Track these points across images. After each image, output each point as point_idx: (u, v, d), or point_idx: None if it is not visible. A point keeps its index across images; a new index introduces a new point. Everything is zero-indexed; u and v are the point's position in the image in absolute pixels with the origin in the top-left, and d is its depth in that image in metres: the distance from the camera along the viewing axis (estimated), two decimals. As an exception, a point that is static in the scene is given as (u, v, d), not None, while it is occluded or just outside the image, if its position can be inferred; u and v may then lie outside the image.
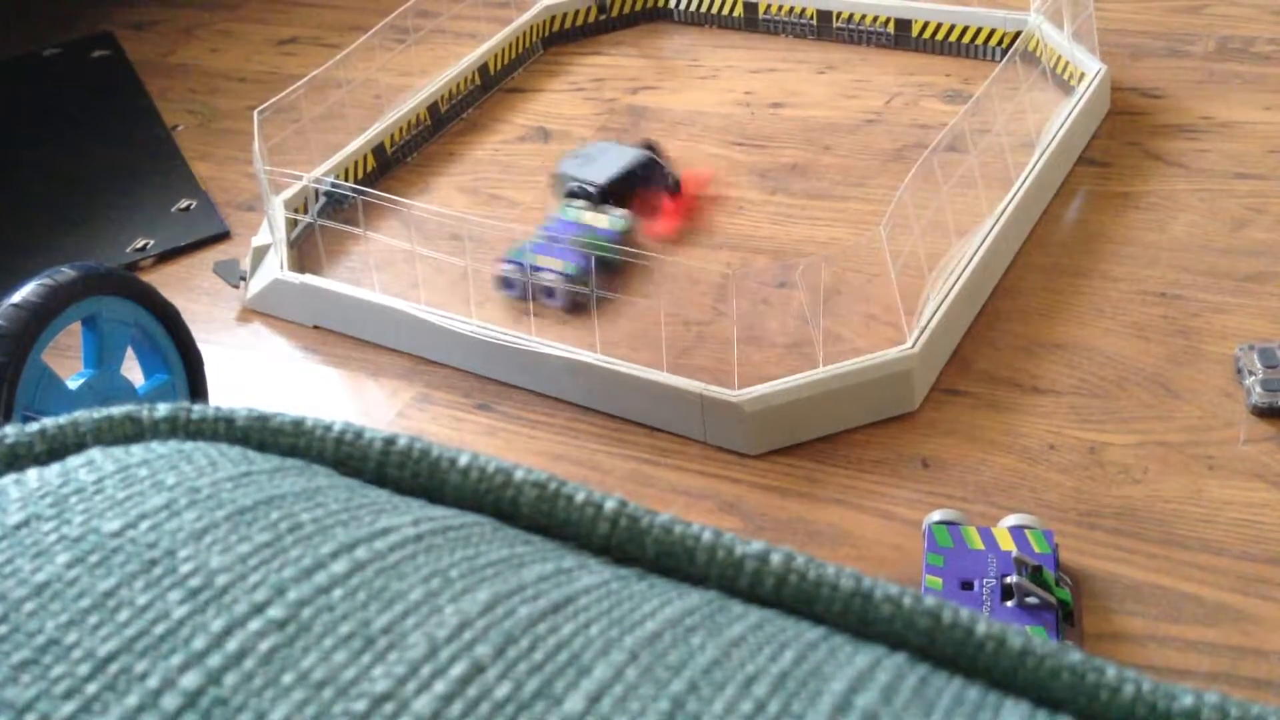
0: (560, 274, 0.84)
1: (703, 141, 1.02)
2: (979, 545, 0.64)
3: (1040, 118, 0.93)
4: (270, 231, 0.91)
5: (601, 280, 0.82)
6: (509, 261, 0.86)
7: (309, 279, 0.86)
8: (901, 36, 1.09)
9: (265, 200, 0.91)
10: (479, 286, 0.86)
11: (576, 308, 0.84)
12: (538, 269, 0.84)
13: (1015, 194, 0.86)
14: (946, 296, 0.78)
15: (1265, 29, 1.07)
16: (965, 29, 1.07)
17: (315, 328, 0.87)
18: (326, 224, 0.89)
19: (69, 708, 0.18)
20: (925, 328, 0.75)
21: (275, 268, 0.88)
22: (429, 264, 0.86)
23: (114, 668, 0.19)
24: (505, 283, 0.86)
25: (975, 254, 0.81)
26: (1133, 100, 0.99)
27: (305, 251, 0.91)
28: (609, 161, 0.92)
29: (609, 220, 0.88)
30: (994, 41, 1.06)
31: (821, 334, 0.77)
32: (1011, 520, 0.65)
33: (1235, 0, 1.11)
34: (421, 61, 1.11)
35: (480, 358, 0.81)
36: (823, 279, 0.77)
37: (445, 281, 0.87)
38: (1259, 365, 0.73)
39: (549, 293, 0.84)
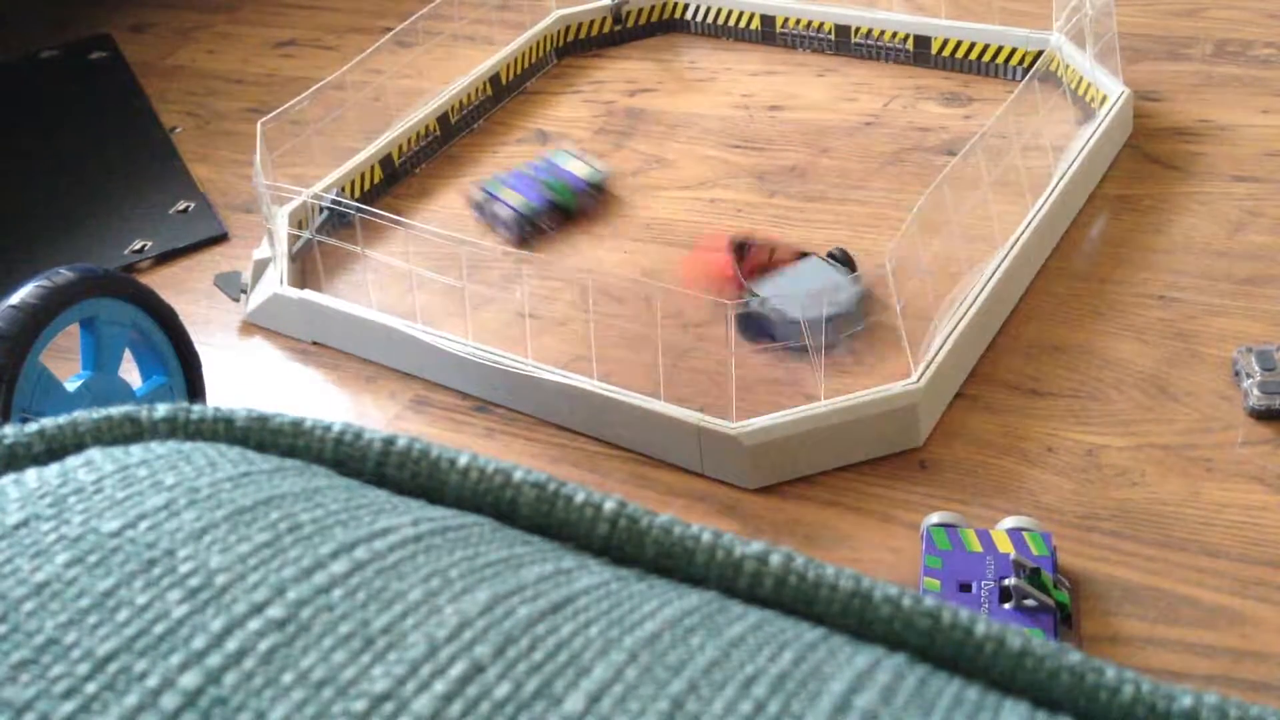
0: (514, 209, 0.93)
1: (701, 144, 1.02)
2: (977, 548, 0.64)
3: (1060, 142, 0.92)
4: (270, 245, 0.91)
5: (555, 222, 0.94)
6: (481, 189, 0.95)
7: (307, 294, 0.86)
8: (920, 54, 1.08)
9: (266, 214, 0.91)
10: (475, 306, 0.85)
11: (523, 243, 0.92)
12: (498, 198, 0.94)
13: (1029, 224, 0.83)
14: (955, 329, 0.76)
15: (1263, 32, 1.07)
16: (986, 47, 1.05)
17: (314, 343, 0.87)
18: (325, 240, 0.88)
19: (68, 707, 0.18)
20: (932, 362, 0.74)
21: (275, 282, 0.88)
22: (420, 280, 0.86)
23: (113, 667, 0.19)
24: (474, 205, 0.96)
25: (985, 286, 0.78)
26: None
27: (306, 266, 0.91)
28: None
29: (587, 170, 0.96)
30: (1015, 61, 1.04)
31: (823, 367, 0.76)
32: (1009, 522, 0.65)
33: (1233, 4, 1.12)
34: (432, 70, 1.11)
35: (476, 379, 0.80)
36: (824, 311, 0.76)
37: (442, 298, 0.86)
38: (1257, 368, 0.73)
39: (504, 224, 0.93)
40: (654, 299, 0.82)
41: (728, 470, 0.72)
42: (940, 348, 0.75)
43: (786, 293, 0.79)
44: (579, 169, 0.96)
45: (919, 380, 0.72)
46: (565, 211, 0.94)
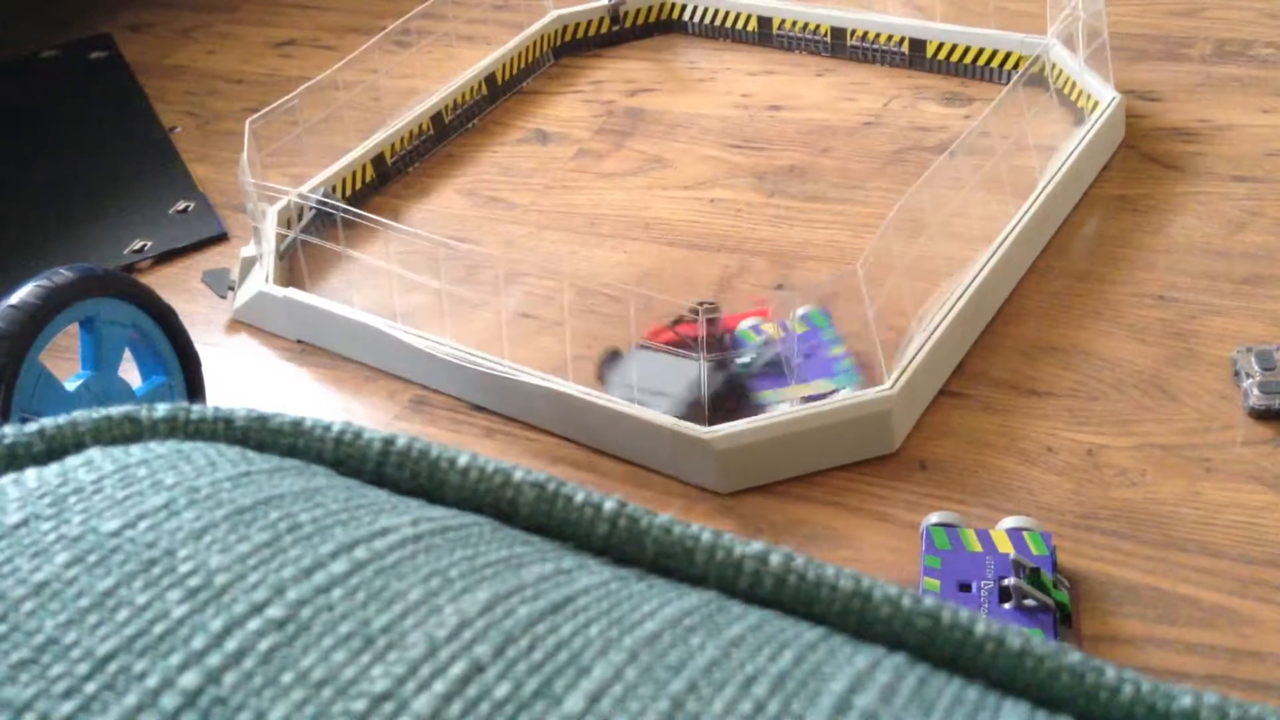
0: None
1: (700, 144, 1.02)
2: (976, 547, 0.64)
3: (1050, 144, 0.91)
4: (256, 243, 0.91)
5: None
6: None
7: (291, 293, 0.86)
8: (916, 57, 1.08)
9: (251, 212, 0.91)
10: (473, 307, 0.85)
11: None
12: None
13: (1014, 228, 0.83)
14: (933, 334, 0.75)
15: (1263, 32, 1.07)
16: (981, 51, 1.05)
17: (299, 342, 0.87)
18: (309, 240, 0.88)
19: (68, 707, 0.18)
20: (906, 368, 0.73)
21: (260, 280, 0.88)
22: (408, 281, 0.86)
23: (113, 667, 0.19)
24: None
25: (967, 290, 0.78)
26: (1130, 103, 0.99)
27: (295, 265, 0.91)
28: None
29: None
30: (1010, 65, 1.04)
31: (796, 372, 0.75)
32: (1009, 522, 0.65)
33: (1233, 3, 1.12)
34: (428, 69, 1.11)
35: (456, 380, 0.80)
36: (795, 314, 0.76)
37: (435, 299, 0.86)
38: (1256, 368, 0.73)
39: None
40: (629, 303, 0.82)
41: (699, 474, 0.72)
42: (917, 353, 0.74)
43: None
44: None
45: (892, 387, 0.72)
46: None
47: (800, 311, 0.79)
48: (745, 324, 0.79)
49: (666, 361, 0.77)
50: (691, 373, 0.75)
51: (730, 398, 0.75)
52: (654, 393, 0.75)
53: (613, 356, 0.80)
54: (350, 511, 0.22)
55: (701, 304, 0.82)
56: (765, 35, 1.14)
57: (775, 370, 0.75)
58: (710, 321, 0.79)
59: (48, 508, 0.22)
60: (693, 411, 0.73)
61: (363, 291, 0.87)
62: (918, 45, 1.07)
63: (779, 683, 0.19)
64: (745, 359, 0.76)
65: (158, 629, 0.19)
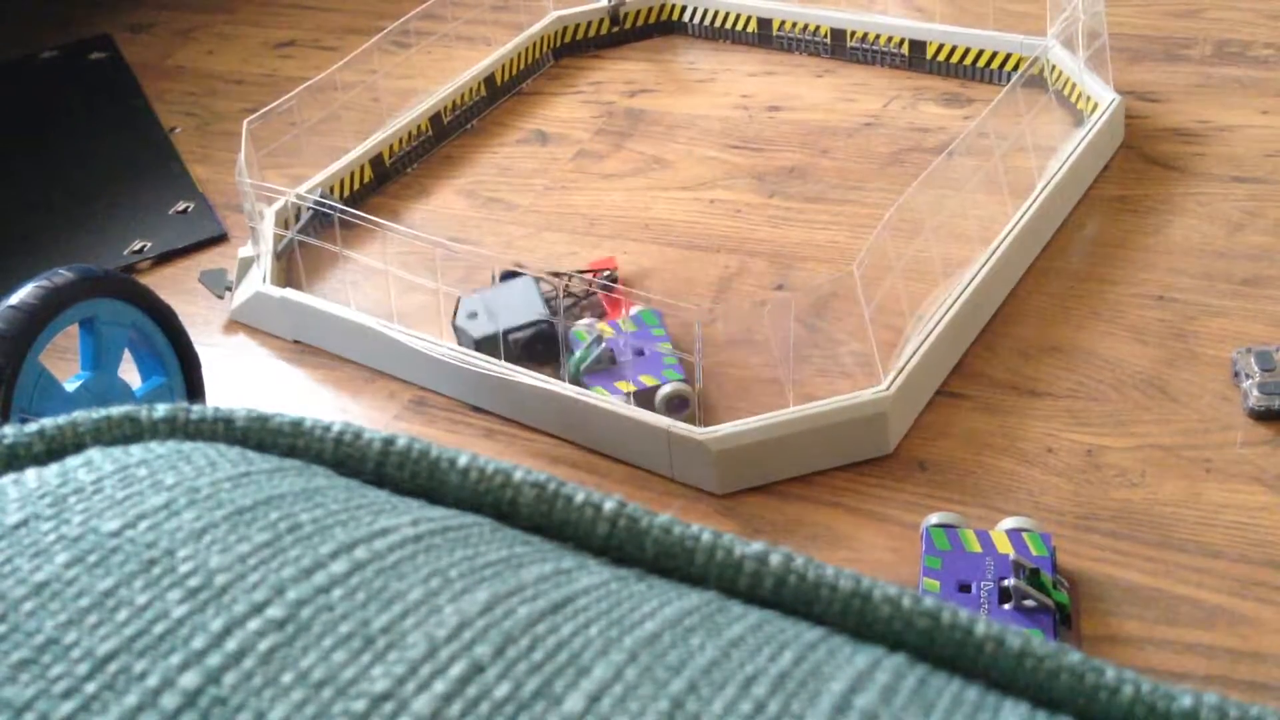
0: None
1: (700, 145, 1.02)
2: (976, 548, 0.64)
3: (1049, 144, 0.91)
4: (254, 244, 0.91)
5: None
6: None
7: (288, 293, 0.86)
8: (916, 58, 1.08)
9: (248, 212, 0.91)
10: (452, 308, 0.85)
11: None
12: None
13: (1011, 230, 0.82)
14: (929, 335, 0.75)
15: (1263, 33, 1.07)
16: (980, 52, 1.05)
17: (296, 342, 0.87)
18: (306, 240, 0.88)
19: (68, 707, 0.18)
20: (902, 369, 0.73)
21: (257, 280, 0.88)
22: (406, 282, 0.85)
23: (113, 667, 0.19)
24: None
25: (964, 291, 0.78)
26: (1130, 104, 0.99)
27: (293, 265, 0.91)
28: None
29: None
30: (1009, 66, 1.04)
31: (791, 372, 0.75)
32: (1009, 523, 0.65)
33: (1233, 4, 1.12)
34: (427, 69, 1.11)
35: (454, 381, 0.80)
36: (792, 316, 0.76)
37: (433, 299, 0.86)
38: (1256, 368, 0.73)
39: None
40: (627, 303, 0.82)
41: (696, 476, 0.72)
42: (913, 354, 0.74)
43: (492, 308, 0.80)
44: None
45: (889, 388, 0.72)
46: None
47: (632, 311, 0.80)
48: (580, 324, 0.81)
49: (526, 292, 0.81)
50: (529, 314, 0.79)
51: (536, 358, 0.78)
52: (489, 311, 0.80)
53: (507, 275, 0.83)
54: (350, 512, 0.22)
55: (603, 272, 0.85)
56: (765, 36, 1.14)
57: (604, 366, 0.77)
58: (605, 288, 0.82)
59: (48, 508, 0.22)
60: (492, 344, 0.78)
61: (360, 292, 0.87)
62: (917, 46, 1.07)
63: (779, 683, 0.19)
64: (583, 353, 0.77)
65: (158, 629, 0.19)
